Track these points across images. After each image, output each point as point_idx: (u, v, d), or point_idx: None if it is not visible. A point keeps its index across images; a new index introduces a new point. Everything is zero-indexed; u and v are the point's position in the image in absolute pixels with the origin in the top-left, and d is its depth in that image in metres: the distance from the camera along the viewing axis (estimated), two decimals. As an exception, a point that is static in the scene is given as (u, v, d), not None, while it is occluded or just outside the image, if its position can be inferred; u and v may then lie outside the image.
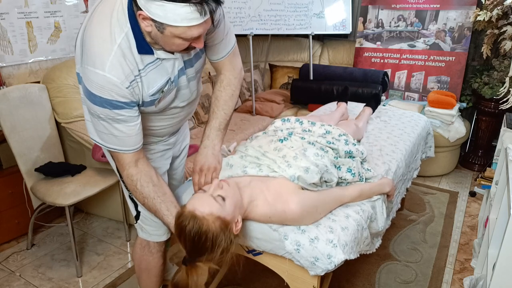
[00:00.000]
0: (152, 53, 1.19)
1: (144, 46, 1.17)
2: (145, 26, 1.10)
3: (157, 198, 1.30)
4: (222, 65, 1.46)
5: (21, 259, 2.32)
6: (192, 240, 1.15)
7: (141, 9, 1.06)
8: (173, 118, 1.44)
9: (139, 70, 1.18)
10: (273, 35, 4.09)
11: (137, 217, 1.56)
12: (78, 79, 1.22)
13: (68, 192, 2.12)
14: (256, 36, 3.81)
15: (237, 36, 1.52)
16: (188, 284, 1.21)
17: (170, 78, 1.26)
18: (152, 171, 1.33)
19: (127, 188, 1.45)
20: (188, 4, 1.02)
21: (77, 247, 2.23)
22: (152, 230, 1.57)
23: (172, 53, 1.23)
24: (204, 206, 1.18)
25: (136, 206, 1.53)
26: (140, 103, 1.24)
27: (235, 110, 3.64)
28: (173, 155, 1.62)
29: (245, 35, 3.76)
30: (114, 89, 1.14)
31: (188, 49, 1.18)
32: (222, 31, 1.36)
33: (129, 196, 1.52)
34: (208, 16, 1.08)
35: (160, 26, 1.07)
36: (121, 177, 1.42)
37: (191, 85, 1.39)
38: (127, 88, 1.16)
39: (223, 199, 1.22)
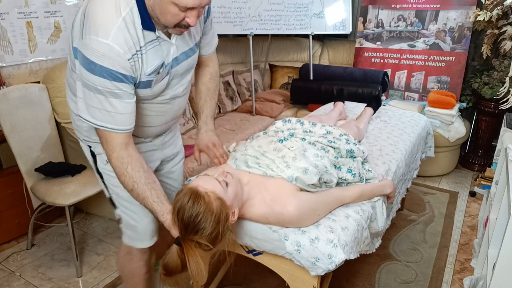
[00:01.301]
0: (154, 30, 1.22)
1: (147, 22, 1.20)
2: None
3: (147, 184, 1.27)
4: (210, 59, 1.62)
5: (21, 259, 2.32)
6: (190, 216, 1.14)
7: None
8: (161, 116, 1.44)
9: (140, 47, 1.21)
10: (273, 35, 4.09)
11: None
12: (74, 55, 1.21)
13: (68, 192, 2.12)
14: (256, 36, 3.80)
15: (237, 36, 1.59)
16: (178, 265, 1.20)
17: (164, 62, 1.29)
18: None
19: (104, 184, 1.48)
20: None
21: (77, 247, 2.23)
22: (132, 234, 1.55)
23: (169, 38, 1.28)
24: (208, 184, 1.20)
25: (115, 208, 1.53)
26: (137, 82, 1.25)
27: (235, 110, 3.66)
28: (163, 157, 1.62)
29: (245, 35, 3.76)
30: (117, 59, 1.15)
31: (180, 26, 1.20)
32: (213, 29, 1.55)
33: (109, 199, 1.51)
34: None
35: None
36: (98, 171, 1.46)
37: (186, 77, 1.44)
38: (128, 60, 1.17)
39: (227, 185, 1.24)
